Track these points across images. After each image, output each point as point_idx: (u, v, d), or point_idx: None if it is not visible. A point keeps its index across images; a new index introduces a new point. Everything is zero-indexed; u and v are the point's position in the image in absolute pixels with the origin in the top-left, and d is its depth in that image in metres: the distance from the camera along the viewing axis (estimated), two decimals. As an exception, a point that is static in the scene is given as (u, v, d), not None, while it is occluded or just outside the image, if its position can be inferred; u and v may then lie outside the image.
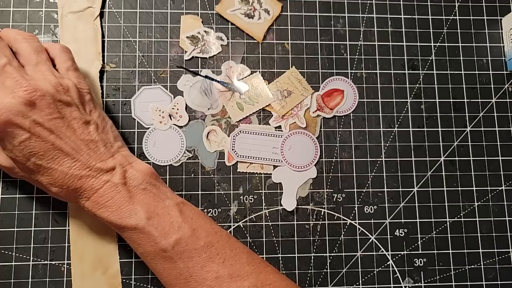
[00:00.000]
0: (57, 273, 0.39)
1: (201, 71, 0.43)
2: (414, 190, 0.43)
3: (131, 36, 0.43)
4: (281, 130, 0.43)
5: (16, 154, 0.33)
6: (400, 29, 0.45)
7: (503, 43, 0.46)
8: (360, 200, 0.43)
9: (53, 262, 0.40)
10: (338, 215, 0.42)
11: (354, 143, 0.43)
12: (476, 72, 0.45)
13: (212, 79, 0.43)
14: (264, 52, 0.44)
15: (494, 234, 0.43)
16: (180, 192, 0.41)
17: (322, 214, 0.42)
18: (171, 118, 0.42)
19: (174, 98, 0.43)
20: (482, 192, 0.43)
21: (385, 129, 0.44)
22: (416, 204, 0.43)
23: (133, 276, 0.40)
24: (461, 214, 0.43)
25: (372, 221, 0.42)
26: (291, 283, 0.35)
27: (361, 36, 0.45)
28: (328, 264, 0.41)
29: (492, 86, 0.45)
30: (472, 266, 0.42)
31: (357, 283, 0.41)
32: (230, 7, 0.44)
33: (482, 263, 0.42)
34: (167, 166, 0.42)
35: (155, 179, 0.36)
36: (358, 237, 0.42)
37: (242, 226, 0.42)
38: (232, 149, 0.42)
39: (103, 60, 0.42)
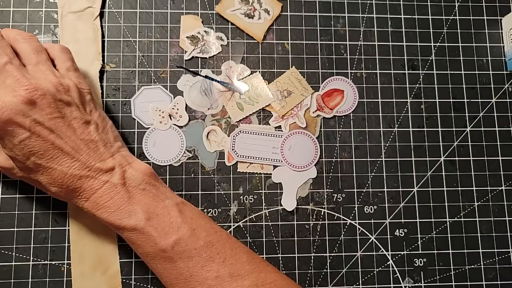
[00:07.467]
0: (57, 273, 0.39)
1: (201, 71, 0.43)
2: (414, 190, 0.43)
3: (131, 36, 0.43)
4: (281, 130, 0.43)
5: (16, 153, 0.33)
6: (400, 29, 0.45)
7: (503, 43, 0.46)
8: (360, 200, 0.43)
9: (53, 262, 0.40)
10: (338, 215, 0.42)
11: (354, 143, 0.43)
12: (476, 72, 0.45)
13: (212, 79, 0.43)
14: (264, 52, 0.44)
15: (494, 234, 0.43)
16: (180, 192, 0.41)
17: (322, 214, 0.42)
18: (171, 118, 0.42)
19: (174, 98, 0.43)
20: (482, 192, 0.43)
21: (385, 129, 0.44)
22: (416, 204, 0.43)
23: (133, 276, 0.40)
24: (461, 214, 0.43)
25: (372, 221, 0.42)
26: (291, 282, 0.35)
27: (361, 36, 0.45)
28: (328, 264, 0.41)
29: (492, 86, 0.45)
30: (472, 266, 0.42)
31: (357, 283, 0.41)
32: (230, 7, 0.44)
33: (482, 263, 0.42)
34: (167, 166, 0.42)
35: (154, 179, 0.36)
36: (358, 237, 0.42)
37: (242, 226, 0.42)
38: (232, 149, 0.42)
39: (103, 60, 0.42)
